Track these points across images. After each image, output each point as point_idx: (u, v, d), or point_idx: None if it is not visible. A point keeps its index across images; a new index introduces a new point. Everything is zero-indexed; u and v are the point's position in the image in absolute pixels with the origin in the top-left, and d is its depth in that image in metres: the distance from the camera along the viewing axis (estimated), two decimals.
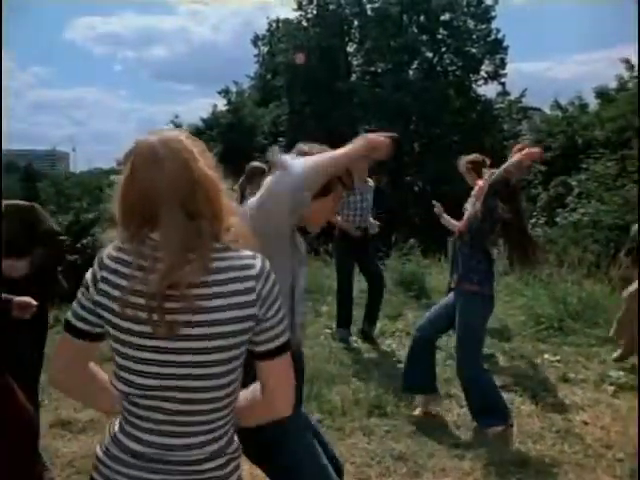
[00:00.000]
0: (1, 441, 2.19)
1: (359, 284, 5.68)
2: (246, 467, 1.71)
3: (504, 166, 3.26)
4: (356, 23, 24.97)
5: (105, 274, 1.16)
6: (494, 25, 23.58)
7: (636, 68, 15.32)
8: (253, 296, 1.16)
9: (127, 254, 1.15)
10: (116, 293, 1.13)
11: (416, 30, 24.04)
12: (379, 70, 24.18)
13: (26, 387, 2.38)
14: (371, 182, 5.21)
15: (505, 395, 3.62)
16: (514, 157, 3.24)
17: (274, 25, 27.39)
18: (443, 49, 24.17)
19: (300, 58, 21.55)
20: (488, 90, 24.40)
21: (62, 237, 3.00)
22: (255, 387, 1.26)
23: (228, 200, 1.21)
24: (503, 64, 23.78)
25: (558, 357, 4.74)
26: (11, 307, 2.41)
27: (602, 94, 16.62)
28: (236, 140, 22.11)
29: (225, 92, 25.71)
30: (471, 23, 23.88)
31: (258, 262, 1.19)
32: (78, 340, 1.21)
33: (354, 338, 5.27)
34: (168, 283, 1.09)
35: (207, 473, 1.19)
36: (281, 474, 1.79)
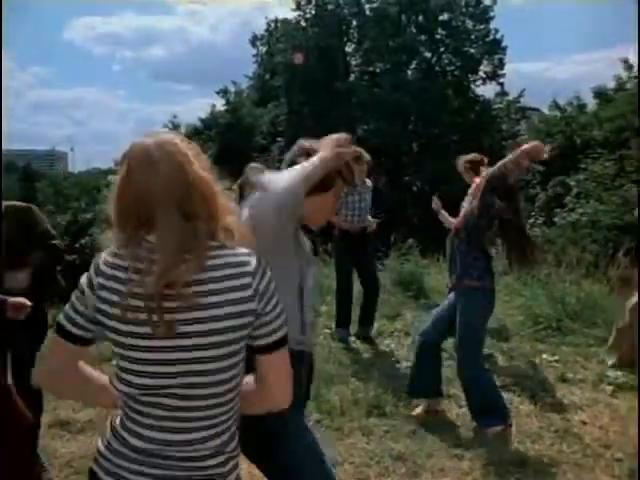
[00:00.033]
0: (1, 442, 2.19)
1: (359, 284, 5.68)
2: (245, 467, 1.71)
3: (502, 161, 3.23)
4: (355, 23, 25.00)
5: (102, 280, 1.16)
6: (493, 25, 23.68)
7: (634, 68, 15.36)
8: (250, 292, 1.17)
9: (123, 259, 1.16)
10: (115, 298, 1.14)
11: (414, 30, 24.07)
12: (377, 70, 24.20)
13: (26, 387, 2.37)
14: (369, 182, 5.22)
15: (504, 395, 3.62)
16: (516, 151, 3.19)
17: (272, 25, 27.40)
18: (442, 49, 24.21)
19: (299, 58, 21.55)
20: (486, 90, 24.48)
21: (56, 241, 3.00)
22: (251, 379, 1.28)
23: (225, 200, 1.22)
24: (502, 64, 23.84)
25: (556, 357, 4.74)
26: (5, 308, 2.40)
27: (600, 94, 16.66)
28: (234, 140, 22.11)
29: (223, 92, 25.72)
30: (470, 23, 23.92)
31: (254, 259, 1.21)
32: (70, 344, 1.21)
33: (353, 338, 5.27)
34: (165, 283, 1.10)
35: (209, 470, 1.20)
36: (281, 474, 1.79)
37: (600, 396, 3.99)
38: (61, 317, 1.22)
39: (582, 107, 17.13)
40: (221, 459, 1.22)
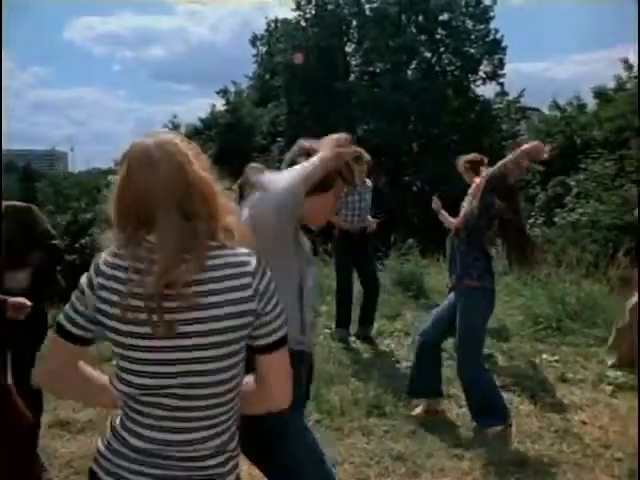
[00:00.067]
0: (1, 442, 2.19)
1: (359, 284, 5.68)
2: (245, 467, 1.71)
3: (502, 161, 3.23)
4: (355, 23, 25.01)
5: (102, 281, 1.16)
6: (493, 25, 23.69)
7: (634, 68, 15.36)
8: (250, 292, 1.17)
9: (123, 259, 1.16)
10: (115, 298, 1.14)
11: (414, 30, 24.08)
12: (377, 70, 24.21)
13: (26, 387, 2.37)
14: (369, 182, 5.22)
15: (504, 395, 3.62)
16: (516, 151, 3.19)
17: (272, 25, 27.40)
18: (442, 49, 24.21)
19: (299, 58, 21.56)
20: (486, 90, 24.48)
21: (56, 241, 3.00)
22: (251, 379, 1.28)
23: (225, 200, 1.22)
24: (501, 64, 23.84)
25: (556, 357, 4.74)
26: (5, 308, 2.41)
27: (600, 94, 16.66)
28: (234, 140, 22.11)
29: (223, 92, 25.72)
30: (470, 23, 23.93)
31: (254, 259, 1.21)
32: (70, 344, 1.21)
33: (353, 338, 5.27)
34: (164, 283, 1.10)
35: (209, 470, 1.20)
36: (281, 474, 1.79)
37: (600, 396, 3.99)
38: (61, 317, 1.22)
39: (582, 107, 17.14)
40: (221, 459, 1.22)
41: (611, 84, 16.56)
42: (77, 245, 8.96)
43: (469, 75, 24.09)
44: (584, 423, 3.58)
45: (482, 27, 23.74)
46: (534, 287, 6.41)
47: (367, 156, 4.96)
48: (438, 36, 24.02)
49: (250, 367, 1.26)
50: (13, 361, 2.76)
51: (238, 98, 25.84)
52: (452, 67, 24.31)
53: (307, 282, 1.83)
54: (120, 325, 1.14)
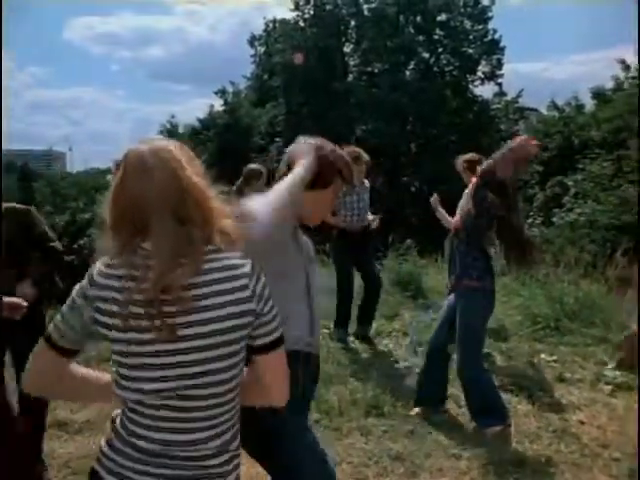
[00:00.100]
0: (1, 442, 2.19)
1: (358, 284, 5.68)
2: (245, 468, 1.71)
3: (493, 156, 3.20)
4: (353, 23, 25.02)
5: (97, 291, 1.17)
6: (491, 26, 23.74)
7: (632, 68, 15.39)
8: (248, 292, 1.19)
9: (117, 268, 1.17)
10: (115, 309, 1.14)
11: (413, 30, 24.10)
12: (376, 70, 24.23)
13: None
14: (367, 182, 5.22)
15: (502, 395, 3.63)
16: (504, 147, 3.19)
17: (271, 25, 27.41)
18: (440, 49, 24.23)
19: (299, 58, 21.57)
20: (485, 90, 24.61)
21: (54, 243, 3.00)
22: (245, 370, 1.29)
23: (219, 204, 1.23)
24: (500, 64, 23.89)
25: (555, 357, 4.74)
26: (1, 307, 2.40)
27: (598, 94, 16.70)
28: (233, 140, 22.11)
29: (222, 92, 25.71)
30: (468, 23, 23.96)
31: (248, 262, 1.23)
32: (58, 357, 1.22)
33: (351, 338, 5.27)
34: (161, 287, 1.11)
35: (210, 469, 1.21)
36: (282, 473, 1.79)
37: (598, 396, 4.00)
38: (51, 327, 1.22)
39: (580, 107, 17.19)
40: (223, 459, 1.23)
41: (609, 84, 16.62)
42: (75, 246, 8.96)
43: (467, 75, 24.12)
44: (582, 423, 3.58)
45: (480, 27, 23.78)
46: (532, 287, 6.41)
47: (366, 156, 4.96)
48: (436, 36, 24.06)
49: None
50: (14, 361, 2.76)
51: (236, 98, 25.83)
52: (450, 67, 24.34)
53: (313, 280, 1.82)
54: (121, 335, 1.15)
